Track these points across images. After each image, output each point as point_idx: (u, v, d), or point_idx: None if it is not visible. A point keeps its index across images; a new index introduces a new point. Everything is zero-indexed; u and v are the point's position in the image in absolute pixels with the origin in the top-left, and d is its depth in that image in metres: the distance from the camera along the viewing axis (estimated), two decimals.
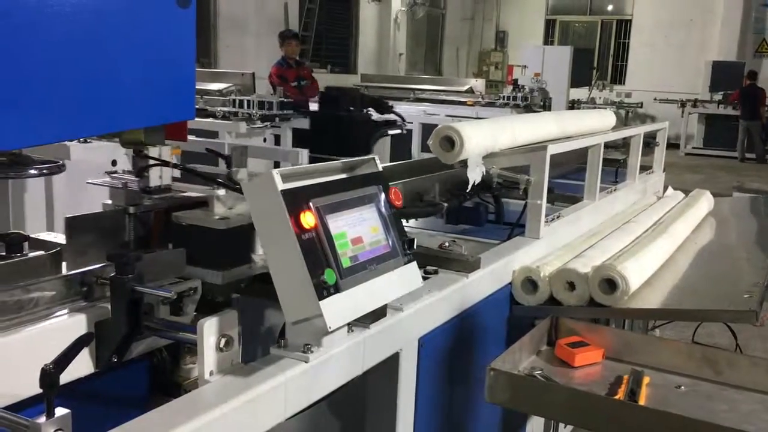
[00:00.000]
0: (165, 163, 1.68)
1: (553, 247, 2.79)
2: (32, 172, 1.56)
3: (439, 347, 2.02)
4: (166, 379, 1.80)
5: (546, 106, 11.81)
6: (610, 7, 19.86)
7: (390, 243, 1.56)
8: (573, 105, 13.57)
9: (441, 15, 20.19)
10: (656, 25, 18.55)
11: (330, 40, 16.48)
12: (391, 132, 2.28)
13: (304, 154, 4.51)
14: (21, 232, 1.52)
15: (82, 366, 1.41)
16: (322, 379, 1.52)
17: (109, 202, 1.68)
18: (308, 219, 1.35)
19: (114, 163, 4.54)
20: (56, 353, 1.34)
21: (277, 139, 8.42)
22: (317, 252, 1.36)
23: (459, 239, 2.63)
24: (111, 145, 4.41)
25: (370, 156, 1.64)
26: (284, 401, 1.42)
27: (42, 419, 1.00)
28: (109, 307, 1.43)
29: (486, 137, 2.58)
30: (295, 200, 1.36)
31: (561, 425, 3.04)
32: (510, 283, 2.45)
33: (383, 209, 1.58)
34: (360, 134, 2.31)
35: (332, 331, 1.38)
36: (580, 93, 15.13)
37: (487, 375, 1.55)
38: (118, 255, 1.40)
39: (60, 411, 1.01)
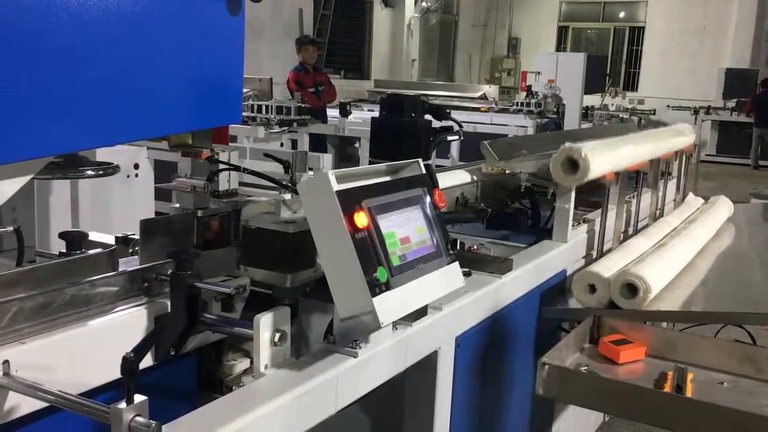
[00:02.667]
0: (236, 168, 1.73)
1: (580, 250, 2.84)
2: (89, 172, 1.62)
3: (474, 347, 2.07)
4: (209, 375, 1.86)
5: (559, 113, 11.84)
6: (622, 14, 19.89)
7: (434, 243, 1.62)
8: (587, 112, 13.58)
9: (454, 21, 20.27)
10: (669, 32, 18.57)
11: (343, 46, 16.58)
12: (449, 138, 2.33)
13: (327, 158, 4.58)
14: (81, 230, 1.58)
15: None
16: (369, 374, 1.57)
17: (177, 205, 1.73)
18: (361, 219, 1.41)
19: (136, 166, 4.62)
20: (120, 346, 1.40)
21: (294, 144, 8.51)
22: (369, 250, 1.41)
23: (487, 243, 2.68)
24: (134, 148, 4.50)
25: (414, 159, 1.69)
26: (335, 395, 1.48)
27: (122, 405, 1.05)
28: (167, 302, 1.49)
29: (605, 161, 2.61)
30: (349, 200, 1.41)
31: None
32: (538, 286, 2.50)
33: (428, 210, 1.63)
34: (420, 140, 2.35)
35: (383, 327, 1.44)
36: (593, 100, 15.12)
37: (538, 369, 1.59)
38: (177, 252, 1.46)
39: (138, 398, 1.07)
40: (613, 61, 19.54)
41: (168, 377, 1.66)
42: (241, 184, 1.86)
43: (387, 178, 1.61)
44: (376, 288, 1.40)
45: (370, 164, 2.10)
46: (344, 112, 8.45)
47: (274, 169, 2.04)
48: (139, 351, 1.11)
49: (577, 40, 20.32)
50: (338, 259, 1.40)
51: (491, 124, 11.14)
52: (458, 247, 2.30)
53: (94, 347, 1.36)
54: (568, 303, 2.70)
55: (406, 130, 2.28)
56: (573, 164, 2.48)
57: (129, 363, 1.06)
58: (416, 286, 1.52)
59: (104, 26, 1.45)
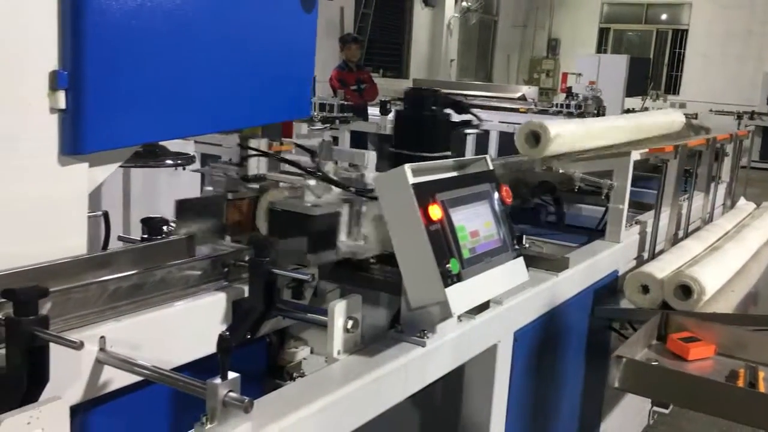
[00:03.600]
0: (265, 154, 1.79)
1: (632, 251, 2.85)
2: (169, 162, 1.69)
3: (530, 342, 2.10)
4: (272, 361, 1.92)
5: (600, 115, 11.74)
6: (664, 16, 19.60)
7: (501, 237, 1.65)
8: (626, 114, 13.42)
9: (493, 21, 20.18)
10: (713, 35, 18.25)
11: (383, 45, 16.62)
12: (468, 131, 2.40)
13: (371, 155, 4.62)
14: (163, 216, 1.65)
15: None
16: (435, 363, 1.62)
17: (210, 188, 1.80)
18: (435, 211, 1.45)
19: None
20: (201, 327, 1.47)
21: (336, 141, 8.59)
22: (442, 242, 1.46)
23: (538, 241, 2.71)
24: (181, 141, 4.61)
25: (482, 155, 1.73)
26: (405, 382, 1.52)
27: (217, 380, 1.11)
28: (244, 287, 1.55)
29: (569, 134, 2.64)
30: (423, 194, 1.46)
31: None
32: (591, 285, 2.52)
33: (495, 205, 1.67)
34: (440, 133, 2.43)
35: (455, 317, 1.48)
36: (634, 102, 14.96)
37: (613, 363, 1.62)
38: (256, 239, 1.52)
39: (231, 374, 1.12)
40: (655, 64, 19.28)
41: (240, 361, 1.72)
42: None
43: (456, 173, 1.66)
44: (449, 279, 1.44)
45: (394, 156, 2.16)
46: (384, 110, 8.50)
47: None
48: (235, 330, 1.16)
49: (618, 41, 20.08)
50: (412, 250, 1.45)
51: None
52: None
53: (179, 327, 1.42)
54: (619, 303, 2.71)
55: (427, 123, 2.36)
56: (536, 137, 2.51)
57: (225, 341, 1.12)
58: (485, 279, 1.56)
59: (199, 25, 1.52)
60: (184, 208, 1.69)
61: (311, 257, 1.69)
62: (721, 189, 4.11)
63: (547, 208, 3.14)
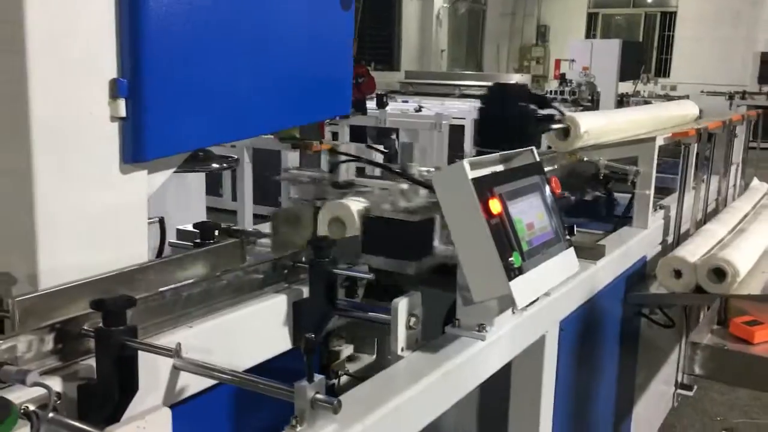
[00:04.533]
0: (357, 159, 1.79)
1: (658, 236, 2.87)
2: (215, 165, 1.68)
3: (573, 331, 2.11)
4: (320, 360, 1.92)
5: (594, 101, 11.77)
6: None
7: (553, 229, 1.66)
8: (621, 99, 13.48)
9: (482, 11, 20.18)
10: (702, 17, 18.32)
11: (373, 38, 16.59)
12: (553, 126, 2.38)
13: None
14: (213, 221, 1.65)
15: (282, 343, 1.53)
16: (495, 356, 1.63)
17: (295, 196, 1.80)
18: (495, 205, 1.46)
19: None
20: (265, 330, 1.47)
21: (335, 136, 8.58)
22: (503, 236, 1.46)
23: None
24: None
25: (528, 148, 1.74)
26: (470, 375, 1.53)
27: (304, 383, 1.11)
28: (302, 288, 1.55)
29: (596, 127, 2.65)
30: (482, 188, 1.46)
31: None
32: (624, 272, 2.53)
33: (546, 197, 1.68)
34: (528, 129, 2.39)
35: (521, 309, 1.49)
36: (627, 87, 15.01)
37: (687, 349, 1.64)
38: (316, 240, 1.52)
39: (317, 376, 1.13)
40: (645, 47, 19.33)
41: (295, 362, 1.72)
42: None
43: (507, 166, 1.66)
44: (512, 272, 1.44)
45: (478, 154, 2.15)
46: (381, 103, 8.49)
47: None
48: (317, 331, 1.16)
49: (606, 26, 20.12)
50: (474, 245, 1.45)
51: None
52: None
53: (245, 331, 1.42)
54: (648, 289, 2.73)
55: (514, 120, 2.33)
56: (565, 132, 2.51)
57: (310, 342, 1.12)
58: (543, 271, 1.56)
59: (246, 31, 1.52)
60: (276, 217, 1.69)
61: (409, 264, 1.68)
62: (733, 171, 4.14)
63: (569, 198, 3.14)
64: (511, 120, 2.32)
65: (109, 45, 1.31)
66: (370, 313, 1.57)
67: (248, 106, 1.55)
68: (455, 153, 8.19)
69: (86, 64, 1.29)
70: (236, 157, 1.77)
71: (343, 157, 1.82)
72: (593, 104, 11.61)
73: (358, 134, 8.62)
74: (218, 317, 1.36)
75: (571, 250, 1.72)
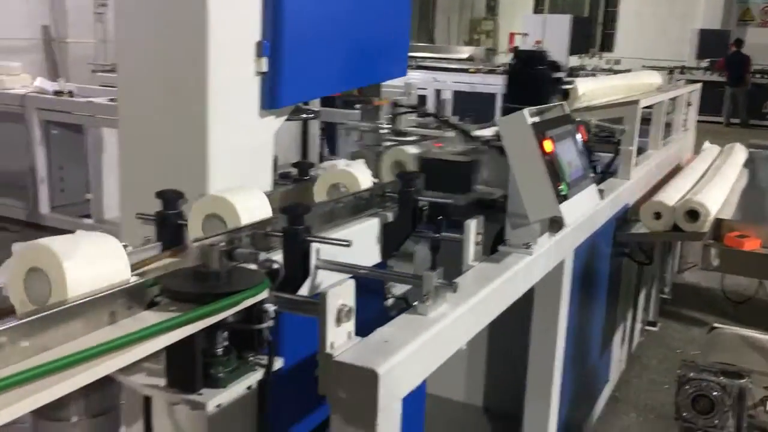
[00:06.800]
0: (414, 110, 2.15)
1: (638, 186, 3.33)
2: (303, 116, 2.02)
3: (581, 260, 2.54)
4: None
5: None
6: None
7: (583, 167, 2.07)
8: (571, 72, 14.04)
9: None
10: None
11: None
12: (565, 87, 2.80)
13: None
14: (308, 161, 2.00)
15: (374, 255, 1.89)
16: (537, 269, 2.03)
17: (361, 142, 2.15)
18: (548, 145, 1.85)
19: None
20: (366, 245, 1.84)
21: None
22: (554, 170, 1.86)
23: None
24: None
25: (560, 102, 2.13)
26: (521, 284, 1.93)
27: (429, 272, 1.47)
28: (387, 214, 1.92)
29: (589, 91, 3.08)
30: (539, 131, 1.85)
31: None
32: (614, 214, 2.97)
33: (578, 142, 2.08)
34: (548, 88, 2.84)
35: (568, 227, 1.89)
36: (574, 61, 15.61)
37: (705, 251, 2.07)
38: (405, 174, 1.88)
39: (438, 268, 1.50)
40: (590, 22, 20.00)
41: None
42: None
43: (542, 118, 2.05)
44: (561, 198, 1.84)
45: (506, 111, 2.54)
46: None
47: None
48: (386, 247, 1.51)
49: (554, 1, 20.71)
50: (532, 177, 1.84)
51: (482, 84, 11.51)
52: None
53: (356, 243, 1.78)
54: (631, 230, 3.19)
55: (537, 80, 2.74)
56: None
57: (437, 242, 1.49)
58: (580, 199, 1.97)
59: (342, 7, 1.87)
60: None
61: (458, 197, 2.07)
62: (689, 135, 4.67)
63: None
64: (535, 81, 2.74)
65: (256, 14, 1.65)
66: (444, 234, 1.94)
67: (345, 66, 1.91)
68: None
69: (239, 30, 1.63)
70: (317, 109, 2.11)
71: (403, 109, 2.18)
72: None
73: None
74: (341, 230, 1.72)
75: (595, 186, 2.13)
